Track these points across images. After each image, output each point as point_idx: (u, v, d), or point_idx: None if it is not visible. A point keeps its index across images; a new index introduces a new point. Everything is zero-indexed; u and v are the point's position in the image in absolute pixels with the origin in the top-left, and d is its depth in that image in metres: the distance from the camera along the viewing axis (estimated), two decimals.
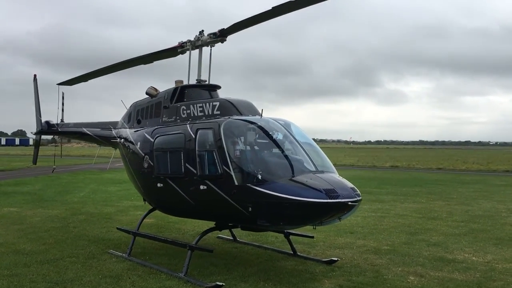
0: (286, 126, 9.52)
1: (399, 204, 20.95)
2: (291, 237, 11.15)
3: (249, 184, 8.47)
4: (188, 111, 10.46)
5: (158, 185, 10.43)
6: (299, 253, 11.17)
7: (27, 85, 17.33)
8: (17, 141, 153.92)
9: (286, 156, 8.92)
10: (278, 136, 9.27)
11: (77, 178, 32.87)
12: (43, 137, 17.63)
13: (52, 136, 22.26)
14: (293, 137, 9.28)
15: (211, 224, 10.33)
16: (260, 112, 9.77)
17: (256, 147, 9.25)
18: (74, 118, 16.46)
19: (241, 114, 9.79)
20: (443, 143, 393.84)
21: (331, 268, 10.12)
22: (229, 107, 9.93)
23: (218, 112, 9.88)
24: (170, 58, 12.33)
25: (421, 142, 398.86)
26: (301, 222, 8.65)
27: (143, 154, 11.02)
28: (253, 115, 9.85)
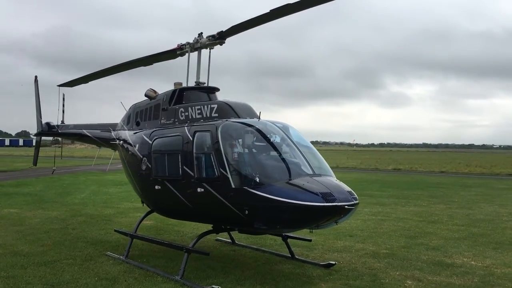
0: (284, 129, 9.49)
1: (400, 208, 20.89)
2: (289, 240, 11.13)
3: (245, 187, 8.44)
4: (186, 114, 10.46)
5: (156, 187, 10.41)
6: (297, 256, 11.14)
7: (32, 86, 17.36)
8: (20, 141, 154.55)
9: (283, 159, 8.88)
10: (276, 139, 9.24)
11: (78, 180, 32.93)
12: (46, 138, 17.67)
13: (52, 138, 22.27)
14: (291, 140, 9.25)
15: (210, 226, 10.32)
16: (258, 115, 9.76)
17: (253, 150, 9.22)
18: (78, 119, 16.48)
19: (239, 117, 9.78)
20: (447, 146, 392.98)
21: (329, 272, 10.08)
22: (227, 110, 9.91)
23: (216, 115, 9.86)
24: (170, 60, 12.35)
25: (425, 145, 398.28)
26: (298, 225, 8.62)
27: (141, 156, 11.02)
28: (251, 118, 9.83)
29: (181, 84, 11.29)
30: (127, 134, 12.23)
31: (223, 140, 8.99)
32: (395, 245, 12.91)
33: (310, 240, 11.66)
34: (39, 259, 10.74)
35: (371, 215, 18.27)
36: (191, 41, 11.12)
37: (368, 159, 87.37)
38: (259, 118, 9.67)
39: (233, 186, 8.59)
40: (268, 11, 9.01)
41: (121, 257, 10.96)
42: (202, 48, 10.99)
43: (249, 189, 8.37)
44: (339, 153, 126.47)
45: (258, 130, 9.26)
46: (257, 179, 8.38)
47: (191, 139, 9.57)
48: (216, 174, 8.90)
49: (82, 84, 15.28)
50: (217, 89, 11.22)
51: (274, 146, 9.11)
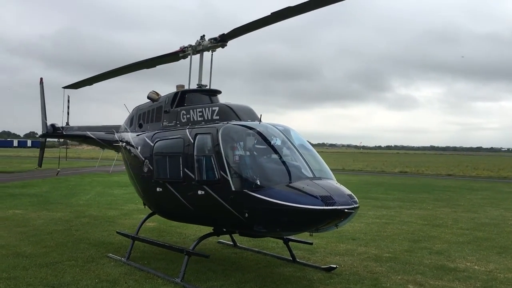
0: (285, 132, 9.46)
1: (404, 211, 20.77)
2: (290, 243, 11.10)
3: (245, 190, 8.44)
4: (188, 116, 10.48)
5: (158, 189, 10.43)
6: (298, 260, 11.10)
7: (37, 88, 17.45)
8: (29, 143, 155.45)
9: (283, 162, 8.86)
10: (276, 142, 9.22)
11: (84, 181, 33.08)
12: (53, 139, 17.80)
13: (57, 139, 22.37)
14: (291, 143, 9.21)
15: (211, 229, 10.30)
16: (259, 118, 9.75)
17: (253, 153, 9.20)
18: (86, 119, 16.55)
19: (240, 119, 9.78)
20: (455, 149, 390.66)
21: (329, 276, 10.04)
22: (228, 112, 9.92)
23: (217, 117, 9.87)
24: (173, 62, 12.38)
25: (432, 148, 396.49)
26: (297, 228, 8.59)
27: (143, 158, 11.05)
28: (252, 121, 9.82)
29: (183, 86, 11.31)
30: (129, 136, 12.27)
31: (223, 142, 9.00)
32: (398, 249, 12.83)
33: (311, 243, 11.62)
34: (41, 260, 10.79)
35: (375, 218, 18.18)
36: (193, 43, 11.16)
37: (374, 161, 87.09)
38: (260, 120, 9.66)
39: (233, 189, 8.59)
40: (269, 14, 9.02)
41: (122, 259, 10.98)
42: (204, 51, 11.02)
43: (249, 192, 8.36)
44: (345, 155, 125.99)
45: (259, 133, 9.24)
46: (257, 182, 8.38)
47: (192, 141, 9.58)
48: (217, 176, 8.90)
49: (95, 85, 15.37)
50: (219, 92, 11.23)
51: (274, 149, 9.10)
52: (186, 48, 11.30)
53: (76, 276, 9.59)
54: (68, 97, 16.15)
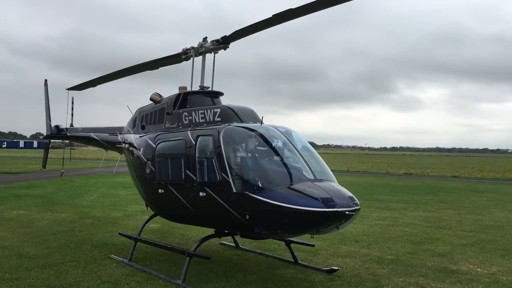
0: (286, 133, 9.47)
1: (408, 213, 20.70)
2: (292, 245, 11.09)
3: (246, 192, 8.44)
4: (190, 118, 10.51)
5: (159, 191, 10.47)
6: (300, 261, 11.09)
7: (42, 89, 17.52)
8: (35, 143, 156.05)
9: (284, 164, 8.86)
10: (278, 144, 9.23)
11: (89, 182, 33.20)
12: (59, 140, 17.90)
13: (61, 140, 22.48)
14: (293, 145, 9.22)
15: (213, 231, 10.32)
16: (261, 119, 9.76)
17: (255, 155, 9.21)
18: (91, 121, 16.65)
19: (242, 121, 9.79)
20: (460, 150, 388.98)
21: (331, 278, 10.02)
22: (230, 114, 9.93)
23: (219, 119, 9.89)
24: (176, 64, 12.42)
25: (438, 149, 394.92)
26: (298, 230, 8.57)
27: (145, 160, 11.08)
28: (254, 122, 9.83)
29: (185, 88, 11.35)
30: (132, 138, 12.32)
31: (225, 144, 9.01)
32: (401, 251, 12.79)
33: (313, 245, 11.61)
34: (43, 261, 10.84)
35: (379, 220, 18.14)
36: (195, 45, 11.19)
37: (379, 163, 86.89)
38: (261, 122, 9.68)
39: (234, 191, 8.59)
40: (271, 16, 9.04)
41: (124, 260, 11.01)
42: (207, 53, 11.05)
43: (250, 193, 8.37)
44: (350, 156, 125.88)
45: (260, 135, 9.25)
46: (258, 184, 8.39)
47: (194, 143, 9.61)
48: (218, 178, 8.91)
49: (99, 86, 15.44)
50: (221, 94, 11.25)
51: (275, 151, 9.11)
52: (189, 50, 11.34)
53: (78, 277, 9.62)
54: (72, 98, 16.27)
